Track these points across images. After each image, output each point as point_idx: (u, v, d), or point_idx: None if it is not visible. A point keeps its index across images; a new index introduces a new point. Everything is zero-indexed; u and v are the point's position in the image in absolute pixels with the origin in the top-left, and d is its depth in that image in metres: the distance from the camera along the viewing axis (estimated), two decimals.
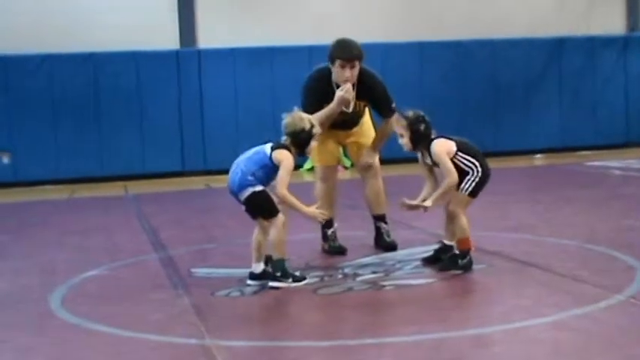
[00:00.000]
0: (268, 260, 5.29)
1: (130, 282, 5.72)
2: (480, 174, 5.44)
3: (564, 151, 15.13)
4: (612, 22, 16.37)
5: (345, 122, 6.19)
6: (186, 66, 14.11)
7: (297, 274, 5.32)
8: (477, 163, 5.45)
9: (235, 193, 5.29)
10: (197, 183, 12.86)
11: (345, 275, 5.49)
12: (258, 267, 5.31)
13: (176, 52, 14.19)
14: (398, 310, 4.79)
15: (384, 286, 5.16)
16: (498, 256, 5.88)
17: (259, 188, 5.22)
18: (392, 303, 4.90)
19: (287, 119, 5.33)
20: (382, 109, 6.16)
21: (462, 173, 5.44)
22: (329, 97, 5.93)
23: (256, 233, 5.34)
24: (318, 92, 6.00)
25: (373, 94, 6.11)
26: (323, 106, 5.92)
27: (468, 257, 5.46)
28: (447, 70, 14.94)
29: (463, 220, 5.43)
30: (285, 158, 5.22)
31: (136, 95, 13.89)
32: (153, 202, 10.74)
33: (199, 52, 14.27)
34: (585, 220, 7.47)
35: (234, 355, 3.89)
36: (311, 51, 13.05)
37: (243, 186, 5.23)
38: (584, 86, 15.63)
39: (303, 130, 5.28)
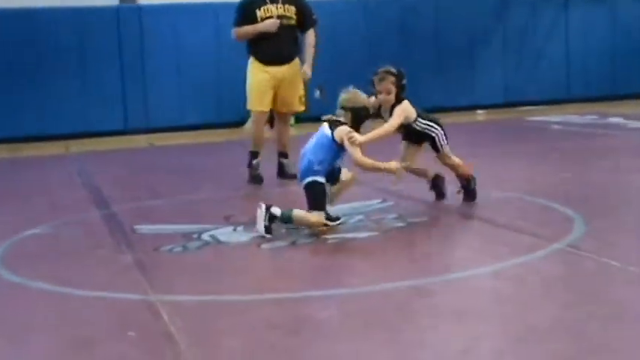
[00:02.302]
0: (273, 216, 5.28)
1: (72, 240, 5.66)
2: (440, 129, 5.98)
3: (507, 106, 15.29)
4: None
5: (280, 49, 7.44)
6: (126, 23, 13.84)
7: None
8: (432, 124, 5.96)
9: (300, 179, 5.41)
10: (140, 142, 12.72)
11: (290, 229, 5.50)
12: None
13: (116, 9, 13.91)
14: (341, 262, 4.84)
15: (327, 239, 5.20)
16: (440, 209, 5.96)
17: (320, 180, 5.31)
18: (335, 256, 4.95)
19: (346, 95, 5.46)
20: (306, 16, 7.57)
21: (425, 136, 5.97)
22: (259, 5, 7.40)
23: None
24: (249, 5, 7.43)
25: (299, 2, 7.53)
26: (252, 19, 7.41)
27: (474, 180, 6.05)
28: (391, 27, 14.93)
29: (456, 160, 6.03)
30: (348, 137, 5.32)
31: (76, 53, 13.59)
32: (95, 160, 10.61)
33: (140, 7, 14.01)
34: (525, 173, 7.60)
35: (178, 310, 3.89)
36: None
37: (307, 173, 5.34)
38: (527, 42, 15.77)
39: (364, 107, 5.45)
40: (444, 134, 6.00)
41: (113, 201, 7.02)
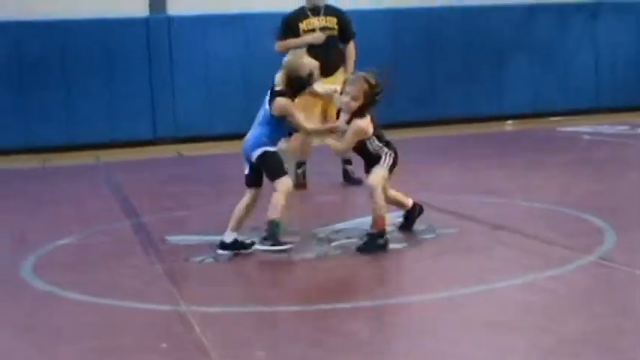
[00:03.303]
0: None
1: (102, 249, 5.70)
2: (392, 154, 5.29)
3: (536, 116, 15.20)
4: None
5: (325, 61, 6.95)
6: (156, 33, 13.95)
7: (283, 240, 5.19)
8: (384, 148, 5.27)
9: (248, 154, 5.29)
10: (168, 151, 12.79)
11: (319, 240, 5.51)
12: (231, 236, 5.25)
13: (146, 19, 14.02)
14: (370, 274, 4.84)
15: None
16: (470, 219, 5.93)
17: (272, 149, 5.24)
18: (365, 267, 4.94)
19: (290, 57, 5.47)
20: (346, 29, 7.88)
21: (375, 158, 5.27)
22: (301, 19, 7.77)
23: (243, 202, 5.32)
24: (292, 19, 7.84)
25: (339, 14, 7.89)
26: (295, 32, 7.73)
27: (385, 237, 5.17)
28: (418, 37, 14.92)
29: (381, 196, 5.18)
30: (286, 109, 5.19)
31: (105, 63, 13.71)
32: (124, 170, 10.68)
33: (169, 18, 14.11)
34: (556, 183, 7.55)
35: (209, 321, 3.90)
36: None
37: (255, 145, 5.24)
38: (555, 52, 15.68)
39: (298, 78, 5.29)
40: (394, 161, 5.28)
41: (143, 211, 7.07)
